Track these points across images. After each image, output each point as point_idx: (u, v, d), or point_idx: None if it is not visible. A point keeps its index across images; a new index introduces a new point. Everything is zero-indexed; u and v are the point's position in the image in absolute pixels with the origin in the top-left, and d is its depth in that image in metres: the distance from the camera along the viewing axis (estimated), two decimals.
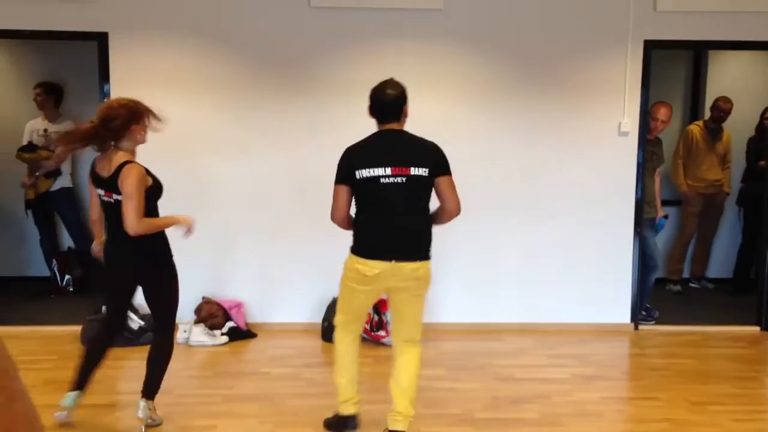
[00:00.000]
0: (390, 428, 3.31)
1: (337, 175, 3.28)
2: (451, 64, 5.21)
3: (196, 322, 5.03)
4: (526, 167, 5.32)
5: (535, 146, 5.31)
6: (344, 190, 3.27)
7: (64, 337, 5.00)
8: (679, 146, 6.55)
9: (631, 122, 5.30)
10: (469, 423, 3.64)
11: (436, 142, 3.33)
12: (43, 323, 5.33)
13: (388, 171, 3.17)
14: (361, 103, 5.21)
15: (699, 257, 6.85)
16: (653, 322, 5.58)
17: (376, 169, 3.18)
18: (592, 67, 5.28)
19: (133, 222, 3.21)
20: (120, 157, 3.31)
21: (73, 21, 5.07)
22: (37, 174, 6.07)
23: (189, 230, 3.51)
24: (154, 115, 3.41)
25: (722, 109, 6.38)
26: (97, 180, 3.39)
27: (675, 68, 6.89)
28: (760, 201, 5.72)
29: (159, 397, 3.62)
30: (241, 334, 5.08)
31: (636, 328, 5.45)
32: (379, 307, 5.05)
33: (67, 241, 6.47)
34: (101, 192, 3.38)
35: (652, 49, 5.26)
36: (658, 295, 6.02)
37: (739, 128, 6.60)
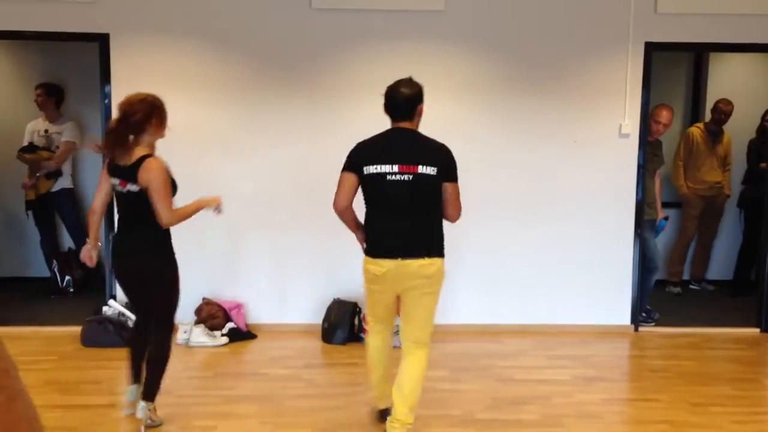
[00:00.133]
0: None
1: (344, 164, 3.30)
2: (453, 65, 5.21)
3: (197, 322, 5.04)
4: (527, 168, 5.33)
5: (535, 148, 5.31)
6: (350, 177, 3.27)
7: (64, 338, 5.00)
8: (680, 148, 6.55)
9: (631, 124, 5.30)
10: (469, 424, 3.64)
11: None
12: (43, 324, 5.33)
13: (395, 168, 3.17)
14: (363, 104, 5.27)
15: (699, 259, 6.85)
16: (653, 324, 5.58)
17: (382, 166, 3.18)
18: (593, 68, 5.28)
19: (166, 214, 3.29)
20: (140, 150, 3.36)
21: (74, 22, 5.08)
22: (37, 175, 6.07)
23: (218, 209, 3.55)
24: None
25: (723, 111, 6.38)
26: (114, 169, 3.41)
27: (676, 70, 6.89)
28: (760, 203, 5.72)
29: (159, 398, 3.63)
30: (241, 335, 5.08)
31: (636, 329, 5.45)
32: None
33: (67, 241, 6.47)
34: (116, 181, 3.40)
35: (652, 50, 5.26)
36: (658, 296, 6.02)
37: (739, 130, 6.60)
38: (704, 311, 6.01)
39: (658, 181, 5.66)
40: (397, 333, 5.01)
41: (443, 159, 3.22)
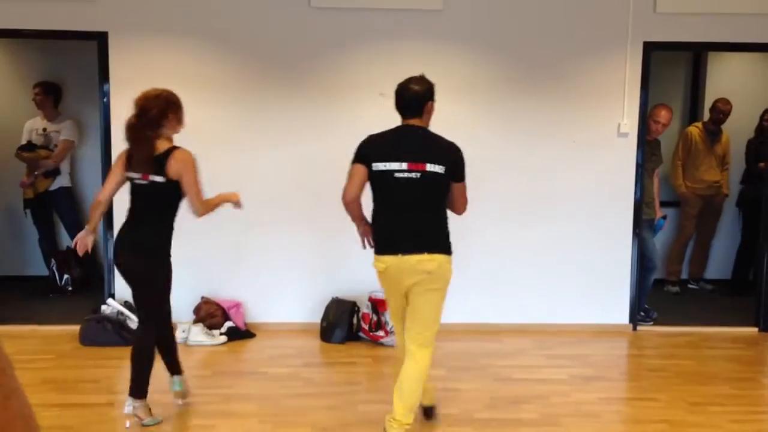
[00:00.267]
0: None
1: (354, 156, 3.31)
2: (452, 65, 5.21)
3: (195, 321, 5.03)
4: (525, 168, 5.33)
5: (534, 147, 5.31)
6: (360, 169, 3.27)
7: (63, 337, 5.00)
8: (678, 147, 6.55)
9: (630, 123, 5.30)
10: (467, 423, 3.64)
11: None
12: (41, 322, 5.32)
13: (404, 166, 3.17)
14: (362, 104, 5.27)
15: (697, 258, 6.85)
16: (651, 323, 5.58)
17: (391, 164, 3.19)
18: (591, 68, 5.28)
19: (198, 205, 3.39)
20: (164, 142, 3.40)
21: (72, 20, 5.07)
22: (36, 173, 6.06)
23: (238, 204, 3.65)
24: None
25: (721, 110, 6.38)
26: (134, 162, 3.41)
27: (674, 70, 6.90)
28: (759, 203, 5.72)
29: (158, 396, 3.63)
30: (239, 334, 5.08)
31: (634, 328, 5.46)
32: (378, 308, 5.05)
33: (65, 240, 6.46)
34: (137, 175, 3.40)
35: (651, 50, 5.26)
36: (656, 295, 6.03)
37: (738, 130, 6.60)
38: (702, 310, 6.01)
39: (657, 180, 5.66)
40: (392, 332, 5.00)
41: (452, 158, 3.22)
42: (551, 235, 5.36)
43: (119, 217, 5.17)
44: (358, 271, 5.33)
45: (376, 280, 5.17)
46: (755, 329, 5.49)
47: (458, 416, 3.69)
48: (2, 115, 6.59)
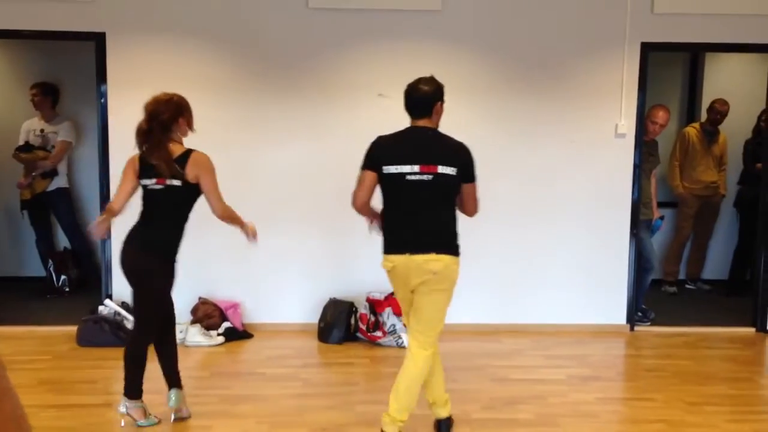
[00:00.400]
0: (382, 428, 3.28)
1: (364, 161, 3.30)
2: (450, 65, 5.21)
3: (193, 322, 5.03)
4: (523, 168, 5.33)
5: (532, 148, 5.31)
6: (369, 176, 3.27)
7: (60, 338, 4.99)
8: (676, 148, 6.56)
9: (627, 124, 5.31)
10: (465, 423, 3.64)
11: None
12: (38, 323, 5.32)
13: (416, 168, 3.17)
14: (361, 104, 5.27)
15: (695, 259, 6.86)
16: (649, 323, 5.59)
17: (402, 166, 3.18)
18: (589, 69, 5.29)
19: (221, 206, 3.44)
20: (178, 146, 3.41)
21: (70, 21, 5.07)
22: (33, 174, 6.06)
23: (254, 236, 3.67)
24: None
25: (719, 111, 6.39)
26: (147, 168, 3.39)
27: (672, 70, 6.91)
28: (756, 203, 5.73)
29: (155, 397, 3.62)
30: (237, 335, 5.08)
31: (632, 329, 5.46)
32: (375, 308, 5.05)
33: (63, 241, 6.46)
34: (150, 181, 3.39)
35: (649, 51, 5.27)
36: (653, 296, 6.03)
37: (735, 130, 6.61)
38: (700, 311, 6.02)
39: (654, 180, 5.67)
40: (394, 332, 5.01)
41: (462, 159, 3.23)
42: (548, 235, 5.37)
43: (119, 218, 5.19)
44: (355, 271, 5.34)
45: (374, 281, 5.22)
46: (752, 329, 5.50)
47: (456, 416, 3.68)
48: (0, 115, 6.58)
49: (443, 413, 3.42)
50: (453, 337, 5.12)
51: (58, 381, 4.23)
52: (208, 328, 5.01)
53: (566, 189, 5.35)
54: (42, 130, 6.12)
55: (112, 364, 4.57)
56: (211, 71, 5.18)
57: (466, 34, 5.22)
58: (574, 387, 4.25)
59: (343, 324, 5.04)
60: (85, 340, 4.87)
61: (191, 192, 3.41)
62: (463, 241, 3.30)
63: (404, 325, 4.98)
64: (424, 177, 3.17)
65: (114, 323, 4.92)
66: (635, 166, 5.35)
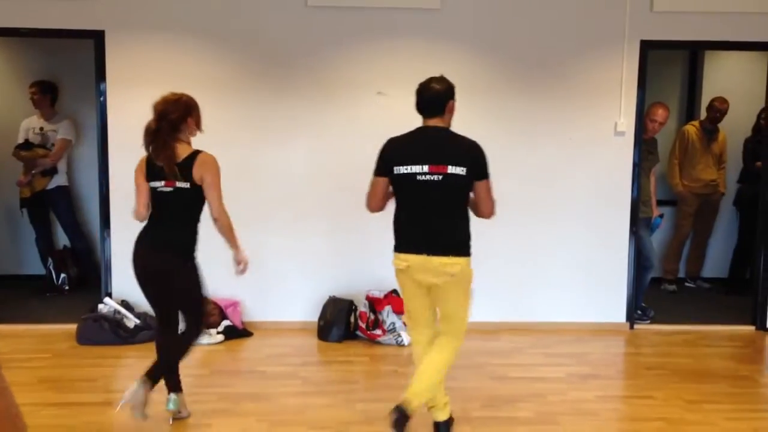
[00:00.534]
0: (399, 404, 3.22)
1: (375, 166, 3.31)
2: (449, 64, 5.18)
3: None
4: (523, 167, 5.33)
5: (531, 146, 5.31)
6: (381, 182, 3.29)
7: (59, 336, 4.99)
8: (675, 146, 6.56)
9: (627, 122, 5.31)
10: (465, 422, 3.64)
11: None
12: (38, 321, 5.32)
13: (425, 168, 3.17)
14: (360, 102, 5.27)
15: (694, 257, 6.86)
16: (649, 322, 5.59)
17: (413, 166, 3.19)
18: (588, 67, 5.29)
19: (219, 207, 3.38)
20: (185, 147, 3.40)
21: (69, 19, 5.06)
22: (33, 172, 6.06)
23: (243, 267, 3.56)
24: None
25: (718, 109, 6.39)
26: (155, 172, 3.39)
27: (671, 68, 6.90)
28: (756, 201, 5.73)
29: (154, 395, 3.61)
30: (237, 333, 5.08)
31: (631, 327, 5.47)
32: (375, 306, 5.05)
33: (62, 239, 6.46)
34: (159, 183, 3.39)
35: (648, 49, 5.27)
36: (653, 294, 6.04)
37: (735, 128, 6.61)
38: (699, 309, 6.02)
39: (654, 179, 5.67)
40: (397, 330, 5.01)
41: (472, 158, 3.21)
42: (548, 233, 5.37)
43: (118, 216, 5.20)
44: (355, 269, 5.34)
45: (374, 279, 5.22)
46: (752, 327, 5.50)
47: (456, 415, 3.68)
48: None
49: (441, 416, 3.41)
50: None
51: (57, 379, 4.23)
52: (208, 326, 5.01)
53: (566, 187, 5.35)
54: (41, 129, 6.11)
55: (111, 362, 4.58)
56: (210, 69, 5.17)
57: (465, 33, 5.22)
58: (574, 385, 4.25)
59: (342, 322, 5.04)
60: (84, 338, 4.87)
61: (200, 193, 3.39)
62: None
63: (404, 324, 5.00)
64: (434, 177, 3.16)
65: (114, 321, 4.92)
66: (635, 165, 5.35)
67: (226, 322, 5.07)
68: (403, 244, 3.28)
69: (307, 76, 5.21)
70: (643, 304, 5.66)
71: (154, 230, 3.46)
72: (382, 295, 5.07)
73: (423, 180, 3.18)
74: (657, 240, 6.11)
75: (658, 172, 5.94)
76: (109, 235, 5.25)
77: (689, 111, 6.98)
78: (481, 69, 5.24)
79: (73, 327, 4.98)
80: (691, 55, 6.95)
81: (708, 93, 6.72)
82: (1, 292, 6.04)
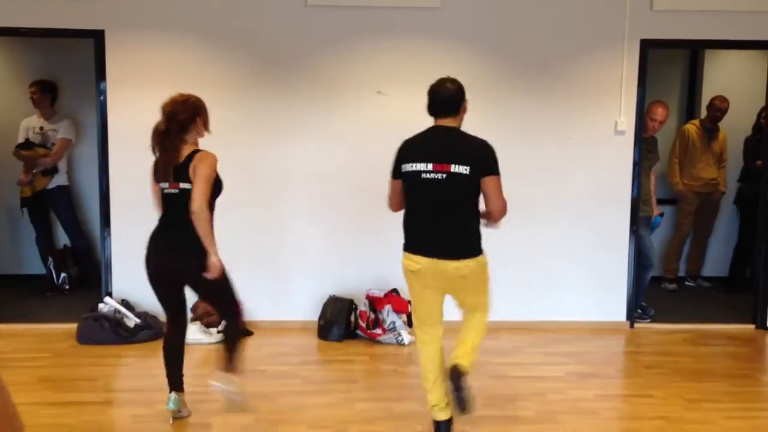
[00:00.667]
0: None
1: (392, 167, 3.35)
2: (449, 63, 5.18)
3: (192, 320, 5.01)
4: (523, 165, 5.32)
5: (531, 145, 5.31)
6: (396, 184, 3.34)
7: (60, 335, 4.99)
8: (676, 145, 6.56)
9: (627, 121, 5.30)
10: (464, 420, 3.63)
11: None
12: (38, 321, 5.32)
13: (430, 167, 3.19)
14: (360, 101, 5.26)
15: (694, 256, 6.86)
16: (649, 320, 5.59)
17: (418, 164, 3.21)
18: (588, 66, 5.28)
19: (201, 203, 3.26)
20: (189, 147, 3.40)
21: (69, 18, 5.06)
22: (34, 171, 6.06)
23: (212, 269, 3.38)
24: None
25: (718, 108, 6.39)
26: (160, 174, 3.40)
27: (671, 67, 6.90)
28: (757, 200, 5.72)
29: (154, 395, 3.63)
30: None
31: (631, 326, 5.46)
32: (375, 305, 5.05)
33: (62, 238, 6.46)
34: (165, 185, 3.40)
35: (648, 48, 5.26)
36: (653, 293, 6.03)
37: (735, 127, 6.61)
38: (699, 308, 6.02)
39: (654, 177, 5.66)
40: (403, 328, 4.99)
41: (477, 157, 3.20)
42: (548, 232, 5.37)
43: (117, 215, 5.20)
44: (355, 268, 5.34)
45: (374, 278, 5.22)
46: (752, 326, 5.50)
47: (455, 414, 3.69)
48: None
49: (442, 416, 3.41)
50: (453, 335, 5.11)
51: (57, 378, 4.23)
52: (208, 325, 5.01)
53: (565, 186, 5.35)
54: (41, 128, 6.11)
55: (111, 361, 4.58)
56: (210, 69, 5.17)
57: (465, 32, 5.21)
58: (574, 384, 4.25)
59: (342, 321, 5.04)
60: (84, 337, 4.88)
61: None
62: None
63: (404, 323, 5.00)
64: (438, 176, 3.18)
65: (114, 321, 4.92)
66: (635, 163, 5.35)
67: None
68: (412, 245, 3.30)
69: (307, 76, 5.20)
70: (644, 303, 5.66)
71: (164, 231, 3.46)
72: (382, 294, 5.07)
73: (427, 178, 3.19)
74: (657, 239, 6.10)
75: (659, 171, 5.94)
76: (109, 234, 5.25)
77: (689, 110, 6.97)
78: (481, 68, 5.24)
79: (73, 326, 4.98)
80: (691, 54, 6.94)
81: (708, 92, 6.71)
82: (1, 292, 6.04)
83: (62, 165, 6.18)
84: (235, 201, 5.25)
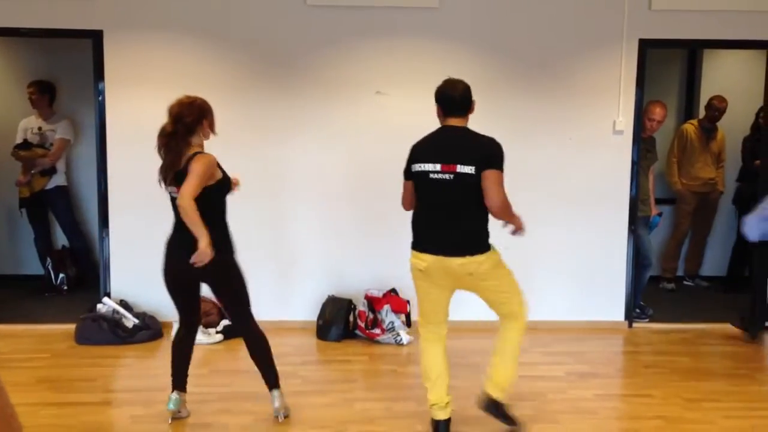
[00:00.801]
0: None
1: (404, 169, 3.39)
2: (447, 63, 5.19)
3: None
4: (521, 165, 5.31)
5: (530, 145, 5.31)
6: (408, 185, 3.38)
7: (58, 336, 4.99)
8: (674, 145, 6.57)
9: (625, 121, 5.31)
10: (462, 420, 3.64)
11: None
12: (37, 321, 5.32)
13: (438, 167, 3.21)
14: (359, 101, 5.27)
15: (693, 255, 6.87)
16: (647, 320, 5.59)
17: (426, 164, 3.24)
18: (587, 65, 5.29)
19: (187, 196, 3.23)
20: (193, 149, 3.41)
21: (67, 19, 5.06)
22: (32, 172, 6.05)
23: (198, 256, 3.30)
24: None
25: (717, 108, 6.40)
26: (166, 179, 3.41)
27: (670, 67, 6.90)
28: (755, 200, 5.72)
29: (153, 395, 3.62)
30: (236, 332, 5.07)
31: (630, 325, 5.47)
32: (374, 305, 5.05)
33: (61, 239, 6.46)
34: (171, 189, 3.41)
35: (646, 47, 5.27)
36: (652, 292, 6.04)
37: (733, 127, 6.62)
38: (698, 307, 6.02)
39: (652, 177, 5.67)
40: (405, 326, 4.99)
41: (481, 154, 3.20)
42: (546, 232, 5.36)
43: (116, 215, 5.20)
44: (354, 268, 5.34)
45: (372, 278, 5.22)
46: None
47: (454, 413, 3.68)
48: None
49: (442, 415, 3.41)
50: (451, 335, 5.08)
51: (56, 379, 4.23)
52: (207, 325, 5.01)
53: (564, 186, 5.35)
54: (40, 128, 6.11)
55: (110, 362, 4.57)
56: (209, 69, 5.17)
57: (463, 32, 5.22)
58: (573, 384, 4.26)
59: (341, 321, 5.04)
60: (83, 338, 4.87)
61: (206, 193, 3.35)
62: None
63: (402, 323, 5.00)
64: (446, 176, 3.20)
65: (112, 321, 4.91)
66: (633, 163, 5.36)
67: (225, 322, 5.07)
68: (419, 244, 3.32)
69: (307, 75, 5.20)
70: (642, 303, 5.66)
71: (178, 234, 3.45)
72: (380, 295, 5.07)
73: (435, 178, 3.22)
74: (655, 238, 6.11)
75: (657, 171, 5.95)
76: (107, 234, 5.25)
77: (688, 109, 6.98)
78: (479, 68, 5.24)
79: (71, 327, 4.98)
80: (689, 54, 6.95)
81: (706, 91, 6.72)
82: None
83: (61, 165, 6.17)
84: (234, 201, 5.25)
